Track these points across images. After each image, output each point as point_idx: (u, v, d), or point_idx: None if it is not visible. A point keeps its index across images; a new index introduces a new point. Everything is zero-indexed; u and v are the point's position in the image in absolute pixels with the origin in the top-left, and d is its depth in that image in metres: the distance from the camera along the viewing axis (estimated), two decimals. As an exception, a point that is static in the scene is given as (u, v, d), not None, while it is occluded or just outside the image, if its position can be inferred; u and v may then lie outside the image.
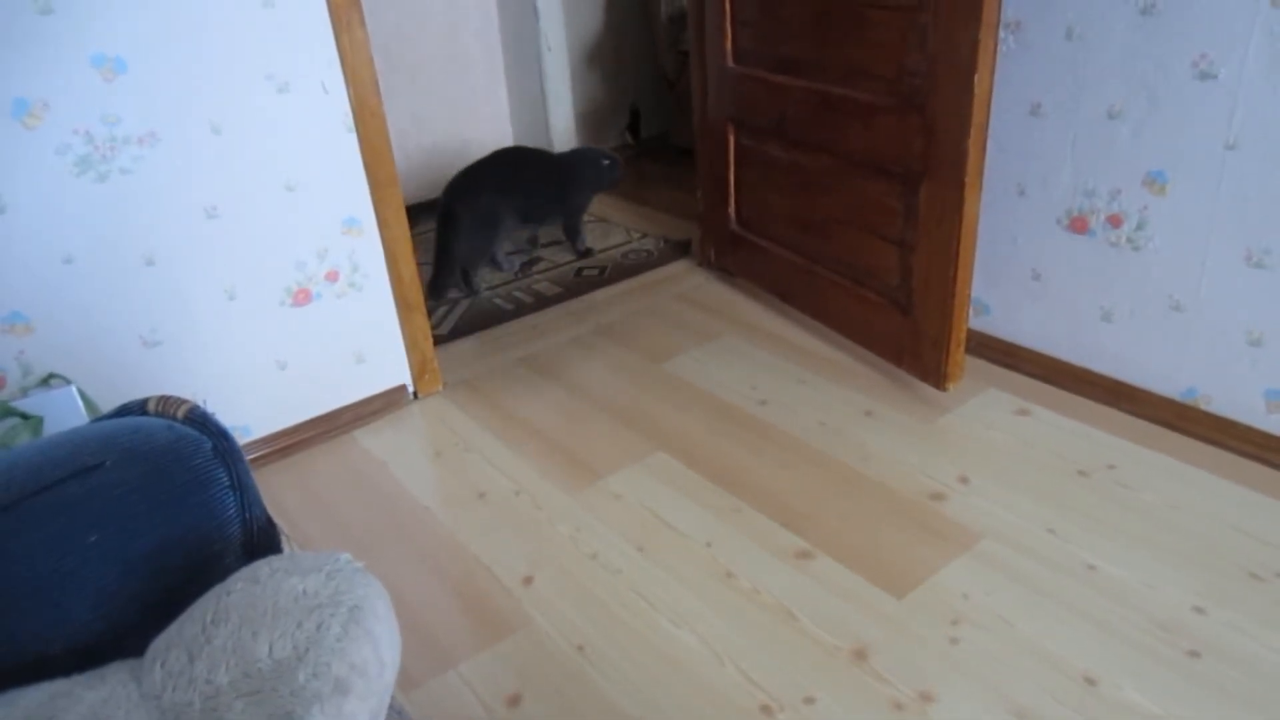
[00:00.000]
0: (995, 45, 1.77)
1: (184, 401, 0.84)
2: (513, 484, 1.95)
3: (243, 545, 0.82)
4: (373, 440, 2.17)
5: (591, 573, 1.67)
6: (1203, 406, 1.90)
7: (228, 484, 0.80)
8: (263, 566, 0.70)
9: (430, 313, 2.36)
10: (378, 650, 0.65)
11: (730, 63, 2.52)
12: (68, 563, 0.71)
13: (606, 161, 2.99)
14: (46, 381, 1.75)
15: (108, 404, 1.78)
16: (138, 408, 0.83)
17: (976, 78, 1.75)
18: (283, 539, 0.87)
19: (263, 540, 0.83)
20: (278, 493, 1.98)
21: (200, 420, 0.83)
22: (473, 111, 3.82)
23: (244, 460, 0.85)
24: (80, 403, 1.70)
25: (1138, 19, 1.77)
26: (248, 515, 0.81)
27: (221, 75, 1.80)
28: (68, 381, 1.74)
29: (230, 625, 0.63)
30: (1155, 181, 1.84)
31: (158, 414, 0.82)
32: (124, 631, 0.74)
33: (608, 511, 1.83)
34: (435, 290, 2.81)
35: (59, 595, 0.71)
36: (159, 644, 0.66)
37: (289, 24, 1.85)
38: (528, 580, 1.67)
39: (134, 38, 1.69)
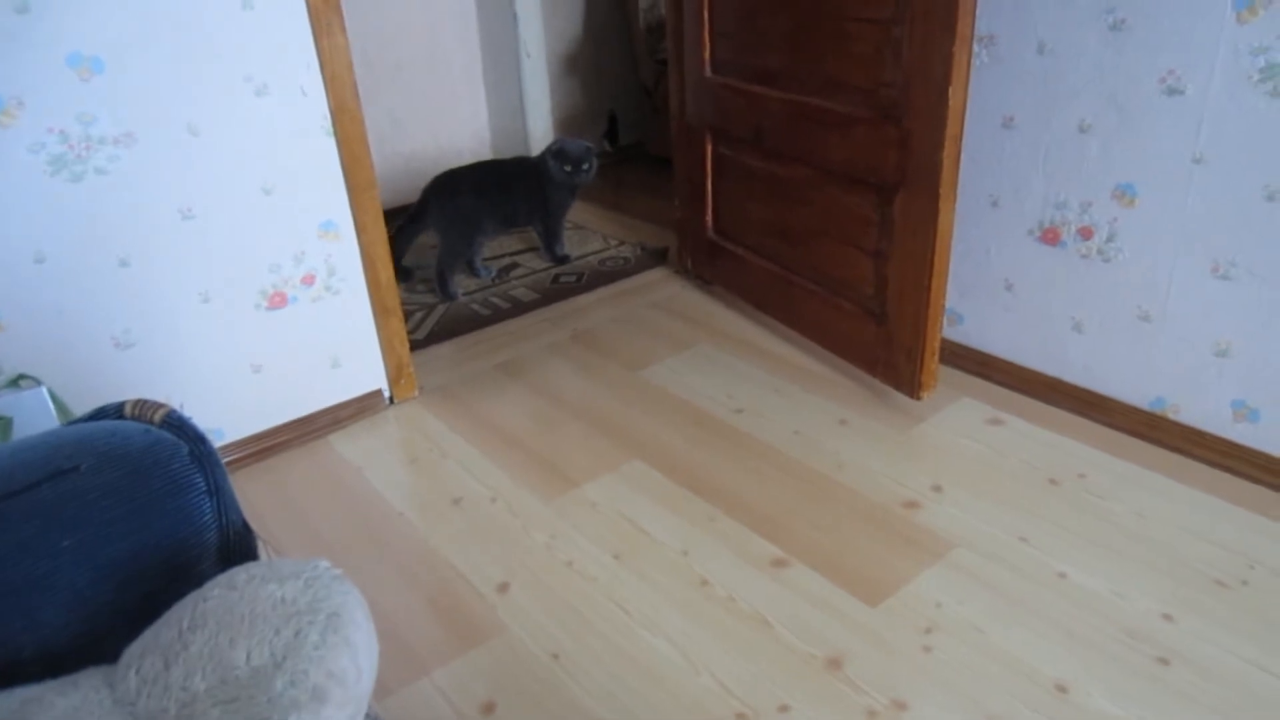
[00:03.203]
0: (969, 59, 1.80)
1: (161, 405, 0.83)
2: (488, 491, 1.95)
3: (219, 551, 0.81)
4: (348, 445, 2.15)
5: (567, 580, 1.67)
6: (1171, 416, 1.94)
7: (204, 489, 0.80)
8: (240, 573, 0.69)
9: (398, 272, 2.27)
10: (355, 659, 0.65)
11: (708, 73, 2.54)
12: (40, 567, 0.70)
13: (569, 168, 2.90)
14: (16, 382, 1.72)
15: (79, 405, 1.76)
16: (114, 411, 0.82)
17: (951, 91, 1.78)
18: (259, 545, 0.86)
19: (239, 546, 0.82)
20: (251, 497, 1.96)
21: (177, 424, 0.82)
22: (451, 116, 3.82)
23: (221, 465, 0.84)
24: (51, 404, 1.67)
25: (1107, 35, 1.80)
26: (224, 521, 0.80)
27: (200, 76, 1.79)
28: (38, 382, 1.71)
29: (207, 632, 0.63)
30: (1125, 194, 1.88)
31: (134, 417, 0.81)
32: (97, 637, 0.73)
33: (583, 519, 1.83)
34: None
35: (31, 600, 0.70)
36: (134, 650, 0.65)
37: (269, 26, 1.84)
38: (503, 588, 1.66)
39: (112, 37, 1.67)
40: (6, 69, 1.59)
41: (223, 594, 0.66)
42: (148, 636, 0.65)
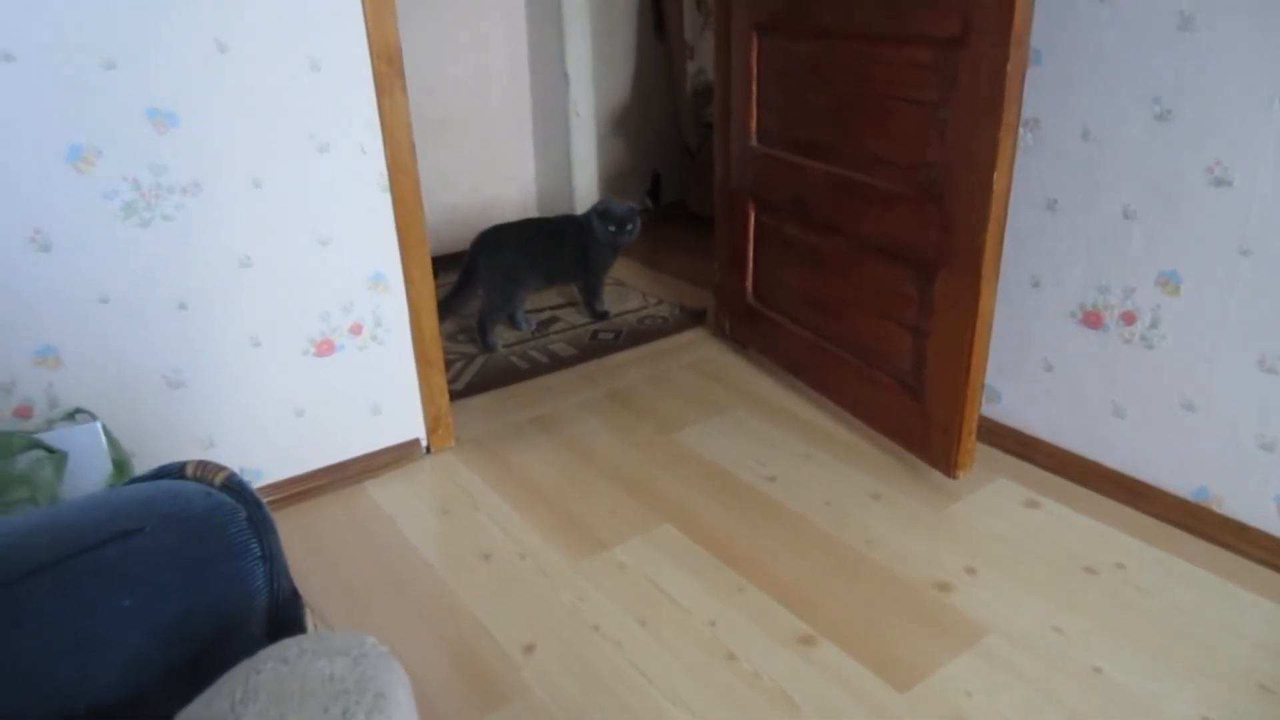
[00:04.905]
0: (1014, 145, 1.82)
1: (221, 468, 0.86)
2: (518, 547, 1.96)
3: (268, 615, 0.83)
4: (382, 493, 2.18)
5: (592, 645, 1.67)
6: (1214, 508, 1.90)
7: (259, 554, 0.82)
8: (292, 646, 0.71)
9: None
10: (398, 738, 0.66)
11: (753, 142, 2.59)
12: (101, 625, 0.73)
13: (613, 228, 2.97)
14: (72, 416, 1.78)
15: (129, 440, 1.82)
16: (175, 470, 0.85)
17: (995, 175, 1.80)
18: (305, 611, 0.88)
19: (287, 611, 0.84)
20: (285, 540, 1.97)
21: (237, 488, 0.85)
22: (499, 171, 3.92)
23: (275, 530, 0.86)
24: (104, 440, 1.72)
25: (1153, 124, 1.82)
26: (275, 586, 0.83)
27: (266, 132, 1.87)
28: (93, 417, 1.76)
29: (259, 705, 0.64)
30: (1169, 281, 1.87)
31: (195, 478, 0.84)
32: (145, 695, 0.75)
33: (611, 582, 1.83)
34: (442, 312, 2.90)
35: (88, 657, 0.72)
36: (186, 718, 0.67)
37: (334, 87, 1.92)
38: (529, 649, 1.66)
39: (188, 93, 1.76)
40: (90, 120, 1.68)
41: (275, 667, 0.68)
42: (199, 705, 0.67)
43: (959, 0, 1.80)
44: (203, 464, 0.85)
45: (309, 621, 0.89)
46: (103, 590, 0.73)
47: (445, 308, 2.95)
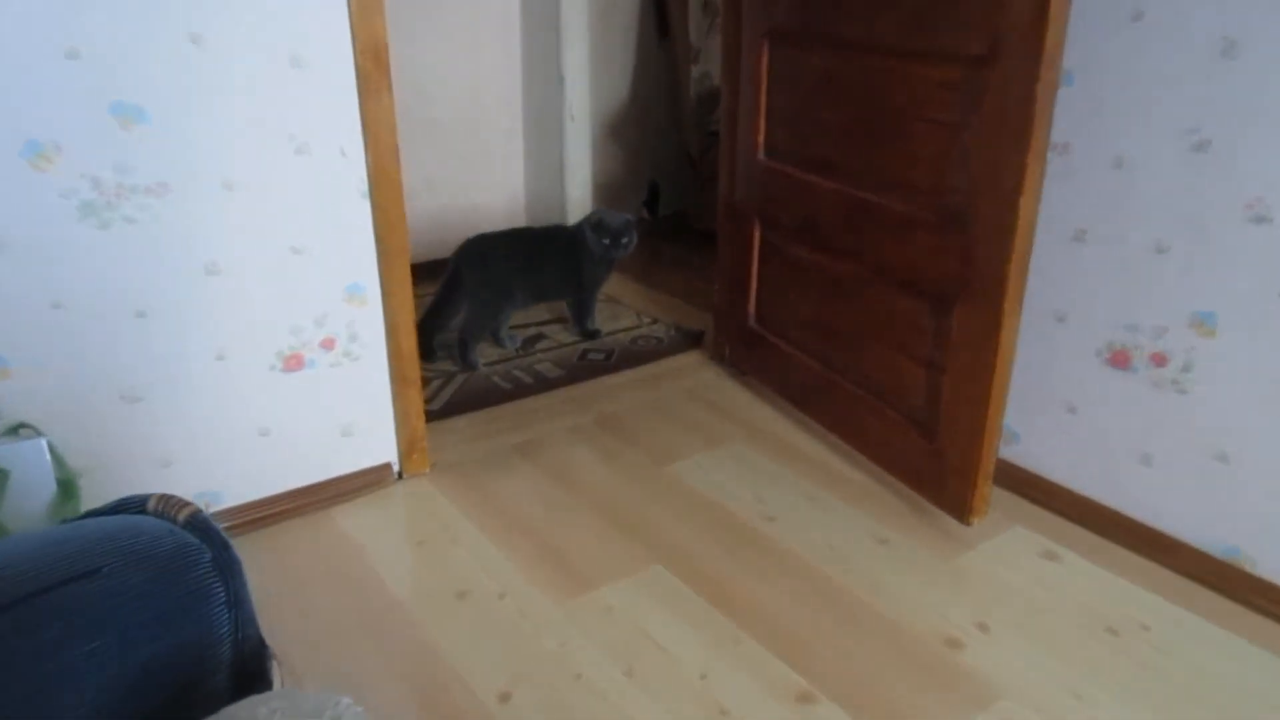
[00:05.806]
0: (1042, 172, 1.84)
1: (186, 504, 0.85)
2: (497, 585, 1.95)
3: (232, 667, 0.82)
4: (352, 521, 2.17)
5: (575, 695, 1.66)
6: (1246, 568, 1.91)
7: (224, 600, 0.82)
8: (260, 705, 0.71)
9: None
10: (372, 806, 0.65)
11: (761, 156, 2.61)
12: (61, 670, 0.72)
13: (607, 241, 2.98)
14: (15, 431, 1.77)
15: (78, 458, 1.81)
16: (137, 504, 0.84)
17: (1021, 202, 1.81)
18: (272, 664, 0.88)
19: (252, 663, 0.83)
20: (245, 570, 1.97)
21: (202, 527, 0.84)
22: (486, 175, 3.93)
23: (242, 574, 0.86)
24: (49, 458, 1.71)
25: (1190, 155, 1.84)
26: (240, 635, 0.82)
27: (241, 131, 1.87)
28: (38, 432, 1.75)
29: (224, 772, 0.64)
30: (1204, 323, 1.89)
31: (158, 514, 0.83)
32: (104, 751, 0.74)
33: (597, 627, 1.83)
34: (425, 329, 2.90)
35: (50, 703, 0.71)
36: (143, 781, 0.67)
37: (316, 85, 1.93)
38: (504, 697, 1.65)
39: (158, 88, 1.76)
40: (49, 114, 1.67)
41: (241, 729, 0.68)
42: (159, 765, 0.66)
43: (988, 17, 1.82)
44: (166, 498, 0.85)
45: (275, 674, 0.88)
46: (64, 633, 0.72)
47: (428, 325, 2.95)
